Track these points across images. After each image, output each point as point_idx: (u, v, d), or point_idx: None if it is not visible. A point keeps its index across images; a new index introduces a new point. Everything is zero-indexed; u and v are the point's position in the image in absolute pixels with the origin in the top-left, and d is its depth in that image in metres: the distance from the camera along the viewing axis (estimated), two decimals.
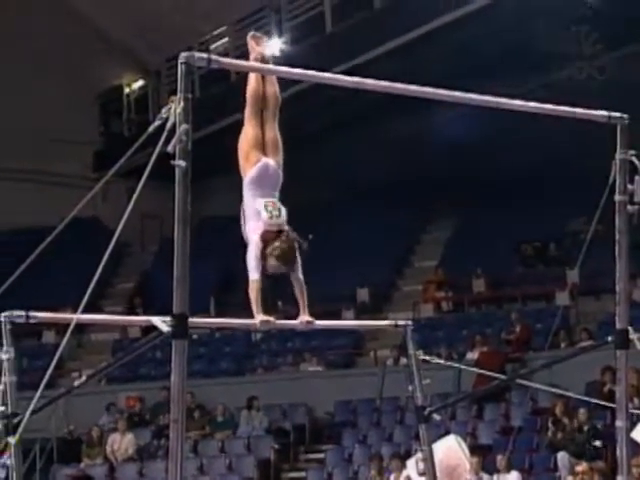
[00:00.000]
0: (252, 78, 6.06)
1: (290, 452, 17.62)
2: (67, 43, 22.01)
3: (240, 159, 5.98)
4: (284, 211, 5.85)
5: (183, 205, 4.39)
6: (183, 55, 4.46)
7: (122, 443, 17.55)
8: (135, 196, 4.64)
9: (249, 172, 5.87)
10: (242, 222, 5.90)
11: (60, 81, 22.22)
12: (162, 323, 4.32)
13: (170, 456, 4.31)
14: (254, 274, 5.78)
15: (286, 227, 5.85)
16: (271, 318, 5.82)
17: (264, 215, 5.75)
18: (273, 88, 6.12)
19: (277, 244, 5.75)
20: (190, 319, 4.43)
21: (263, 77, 6.04)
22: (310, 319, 5.94)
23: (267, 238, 5.77)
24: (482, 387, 13.23)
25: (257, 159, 5.88)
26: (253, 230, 5.79)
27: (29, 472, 15.99)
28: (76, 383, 5.40)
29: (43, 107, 21.84)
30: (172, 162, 4.32)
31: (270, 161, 5.92)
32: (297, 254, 5.97)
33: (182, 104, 4.34)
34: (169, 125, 4.36)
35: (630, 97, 13.13)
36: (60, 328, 17.00)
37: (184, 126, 4.33)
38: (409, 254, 22.40)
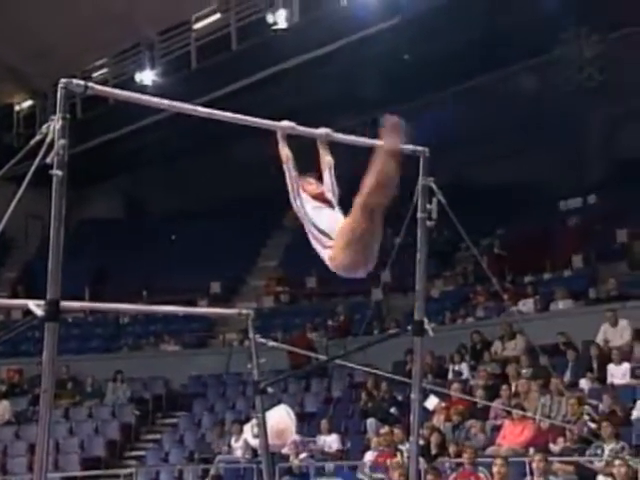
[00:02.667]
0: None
1: (149, 418, 17.39)
2: None
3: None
4: None
5: (58, 208, 4.29)
6: (63, 81, 4.38)
7: None
8: (17, 198, 4.52)
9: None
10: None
11: None
12: (36, 307, 4.20)
13: (39, 421, 4.18)
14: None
15: None
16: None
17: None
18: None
19: None
20: (63, 303, 4.32)
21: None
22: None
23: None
24: (296, 365, 13.40)
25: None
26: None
27: None
28: None
29: None
30: (50, 172, 4.23)
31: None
32: None
33: (60, 122, 4.25)
34: (48, 140, 4.27)
35: (434, 135, 13.44)
36: None
37: (61, 141, 4.23)
38: (255, 255, 22.38)
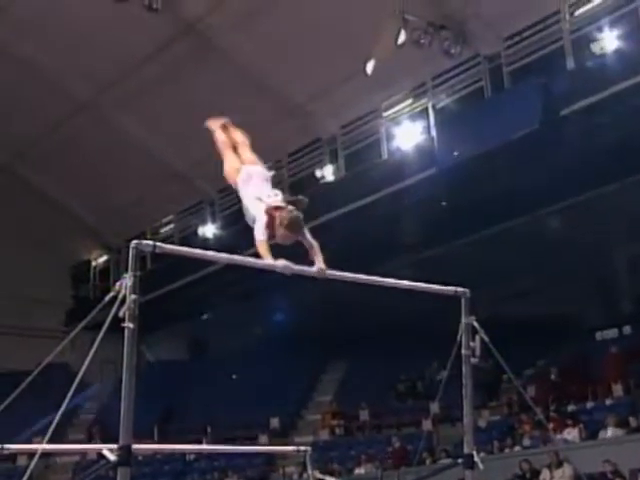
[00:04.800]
0: (218, 134, 5.80)
1: None
2: (49, 227, 21.98)
3: (230, 180, 5.64)
4: (280, 193, 5.40)
5: (130, 357, 4.33)
6: (134, 242, 4.49)
7: None
8: (94, 348, 4.57)
9: (238, 180, 5.51)
10: (246, 217, 5.43)
11: (43, 256, 22.20)
12: (110, 453, 4.18)
13: None
14: (260, 236, 5.15)
15: (284, 204, 5.24)
16: (288, 263, 5.09)
17: (264, 198, 5.30)
18: (236, 132, 5.85)
19: (283, 214, 5.15)
20: (134, 446, 4.28)
21: (226, 128, 5.80)
22: (324, 267, 5.20)
23: (271, 213, 5.20)
24: None
25: (238, 168, 5.59)
26: (258, 211, 5.25)
27: None
28: None
29: (28, 277, 21.80)
30: (122, 324, 4.29)
31: (249, 166, 5.60)
32: (301, 222, 5.23)
33: (132, 280, 4.34)
34: (121, 296, 4.34)
35: (472, 273, 13.44)
36: (31, 454, 16.14)
37: (132, 297, 4.31)
38: (311, 391, 22.12)
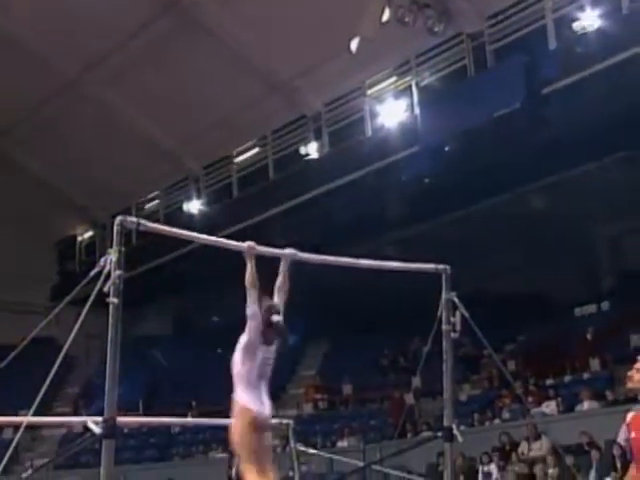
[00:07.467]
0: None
1: None
2: (35, 203, 21.80)
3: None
4: None
5: (114, 332, 4.34)
6: (118, 218, 4.49)
7: None
8: (79, 322, 4.58)
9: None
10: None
11: (28, 232, 22.04)
12: (95, 425, 4.20)
13: None
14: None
15: None
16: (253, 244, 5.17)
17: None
18: None
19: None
20: (119, 419, 4.30)
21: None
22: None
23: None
24: None
25: None
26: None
27: None
28: (23, 475, 5.13)
29: (14, 253, 21.64)
30: (107, 299, 4.30)
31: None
32: None
33: (116, 256, 4.34)
34: (106, 271, 4.35)
35: (455, 250, 13.47)
36: (17, 426, 16.13)
37: (117, 272, 4.32)
38: (295, 365, 22.20)
